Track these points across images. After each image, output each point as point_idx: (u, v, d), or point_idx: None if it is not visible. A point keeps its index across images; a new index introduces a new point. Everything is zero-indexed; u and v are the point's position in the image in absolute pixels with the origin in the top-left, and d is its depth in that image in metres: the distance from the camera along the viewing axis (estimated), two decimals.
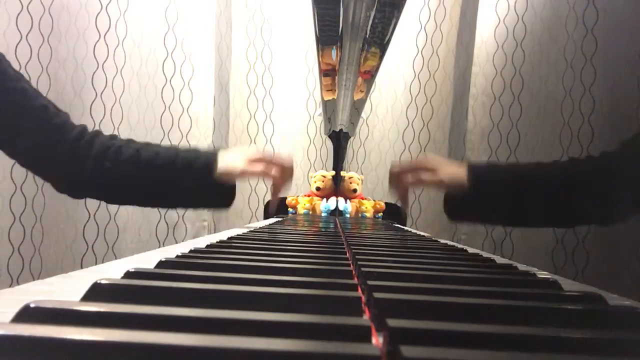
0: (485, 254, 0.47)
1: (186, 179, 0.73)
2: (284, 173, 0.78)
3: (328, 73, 0.88)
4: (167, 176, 0.74)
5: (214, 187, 0.73)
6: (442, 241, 0.64)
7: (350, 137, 1.28)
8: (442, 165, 0.72)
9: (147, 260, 0.32)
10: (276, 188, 0.79)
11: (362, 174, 1.31)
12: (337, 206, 1.14)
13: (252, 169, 0.74)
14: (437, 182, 0.71)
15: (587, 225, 0.76)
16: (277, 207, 1.21)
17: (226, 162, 0.73)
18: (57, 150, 0.72)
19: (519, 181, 0.71)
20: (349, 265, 0.32)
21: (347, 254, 0.38)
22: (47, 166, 0.75)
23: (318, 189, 1.19)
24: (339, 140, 1.21)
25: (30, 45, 1.23)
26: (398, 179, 0.76)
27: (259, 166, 0.75)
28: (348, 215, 1.14)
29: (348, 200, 1.17)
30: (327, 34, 0.75)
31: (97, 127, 1.26)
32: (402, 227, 1.03)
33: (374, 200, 1.21)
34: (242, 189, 1.49)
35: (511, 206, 0.69)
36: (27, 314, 0.16)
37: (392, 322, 0.16)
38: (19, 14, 1.22)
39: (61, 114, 0.76)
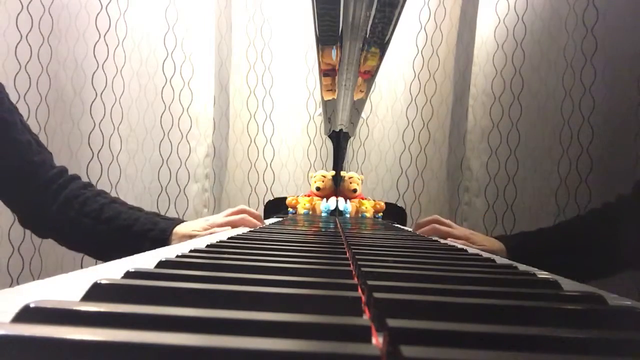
0: (485, 254, 0.47)
1: (140, 245, 0.74)
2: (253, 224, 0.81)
3: (328, 73, 0.88)
4: (123, 238, 0.76)
5: None
6: (442, 241, 0.64)
7: (350, 137, 1.28)
8: (481, 241, 0.79)
9: (147, 260, 0.32)
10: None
11: (362, 174, 1.31)
12: (337, 206, 1.14)
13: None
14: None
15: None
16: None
17: (181, 234, 0.76)
18: (29, 188, 0.74)
19: (554, 248, 0.80)
20: (349, 265, 0.32)
21: (347, 254, 0.38)
22: (16, 200, 0.77)
23: (318, 189, 1.19)
24: (339, 140, 1.21)
25: (30, 45, 1.23)
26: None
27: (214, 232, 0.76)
28: (348, 215, 1.14)
29: (348, 200, 1.17)
30: (327, 34, 0.75)
31: (97, 127, 1.27)
32: (402, 227, 1.03)
33: (374, 200, 1.21)
34: (243, 189, 1.49)
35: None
36: (27, 314, 0.16)
37: (392, 322, 0.16)
38: (19, 14, 1.22)
39: (44, 153, 0.79)
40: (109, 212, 0.77)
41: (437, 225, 0.81)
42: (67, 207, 0.76)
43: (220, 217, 0.82)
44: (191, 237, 0.74)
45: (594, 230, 0.79)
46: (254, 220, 0.81)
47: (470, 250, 0.52)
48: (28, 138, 0.76)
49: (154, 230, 0.76)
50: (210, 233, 0.75)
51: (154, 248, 0.72)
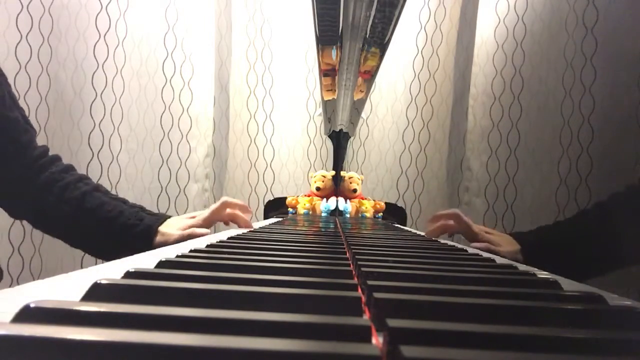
0: (485, 254, 0.47)
1: (122, 241, 0.72)
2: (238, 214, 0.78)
3: (328, 73, 0.88)
4: (104, 232, 0.73)
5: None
6: (442, 241, 0.64)
7: (350, 137, 1.28)
8: (501, 244, 0.77)
9: (147, 260, 0.32)
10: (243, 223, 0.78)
11: (362, 174, 1.31)
12: (337, 206, 1.14)
13: (182, 237, 0.73)
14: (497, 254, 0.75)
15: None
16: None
17: (161, 233, 0.73)
18: (11, 168, 0.71)
19: (574, 247, 0.77)
20: (349, 265, 0.32)
21: (347, 254, 0.38)
22: None
23: (318, 189, 1.19)
24: (339, 140, 1.21)
25: (30, 45, 1.23)
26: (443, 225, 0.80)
27: (187, 231, 0.74)
28: (348, 215, 1.14)
29: (348, 200, 1.17)
30: (327, 34, 0.75)
31: (97, 127, 1.27)
32: (402, 227, 1.03)
33: (374, 200, 1.21)
34: (243, 189, 1.49)
35: (572, 268, 0.75)
36: (27, 314, 0.16)
37: (392, 322, 0.16)
38: (19, 14, 1.22)
39: (30, 131, 0.74)
40: (91, 202, 0.73)
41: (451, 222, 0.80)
42: (47, 191, 0.72)
43: (206, 214, 0.79)
44: (169, 241, 0.72)
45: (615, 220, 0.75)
46: (243, 217, 0.78)
47: (470, 250, 0.52)
48: (16, 115, 0.71)
49: (139, 225, 0.73)
50: (190, 234, 0.73)
51: (138, 244, 0.70)
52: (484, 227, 0.84)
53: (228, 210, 0.79)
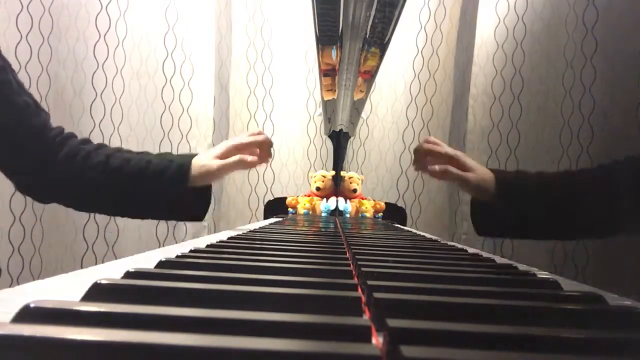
0: (485, 254, 0.47)
1: (158, 188, 0.70)
2: (262, 149, 0.75)
3: (328, 73, 0.88)
4: (138, 185, 0.71)
5: (188, 195, 0.70)
6: (442, 241, 0.64)
7: (350, 137, 1.28)
8: (473, 166, 0.73)
9: (147, 260, 0.32)
10: (261, 160, 0.76)
11: (362, 174, 1.31)
12: (337, 206, 1.14)
13: (227, 164, 0.71)
14: (463, 179, 0.71)
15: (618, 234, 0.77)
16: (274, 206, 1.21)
17: (199, 165, 0.71)
18: (28, 153, 0.70)
19: (546, 189, 0.72)
20: (349, 265, 0.32)
21: (347, 254, 0.38)
22: (16, 165, 0.71)
23: (318, 189, 1.19)
24: (339, 140, 1.21)
25: (30, 45, 1.23)
26: (423, 156, 0.76)
27: (232, 158, 0.71)
28: (348, 215, 1.14)
29: (348, 200, 1.17)
30: (327, 34, 0.75)
31: (97, 127, 1.27)
32: (402, 227, 1.03)
33: (374, 200, 1.21)
34: (242, 189, 1.49)
35: (540, 216, 0.70)
36: (27, 314, 0.16)
37: (392, 322, 0.16)
38: (19, 14, 1.22)
39: (42, 114, 0.73)
40: (116, 162, 0.71)
41: (431, 146, 0.75)
42: (69, 165, 0.71)
43: (237, 140, 0.75)
44: (211, 170, 0.70)
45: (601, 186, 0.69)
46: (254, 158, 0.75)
47: (470, 250, 0.52)
48: (25, 99, 0.70)
49: (170, 167, 0.70)
50: (238, 162, 0.70)
51: (173, 188, 0.69)
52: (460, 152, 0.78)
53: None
